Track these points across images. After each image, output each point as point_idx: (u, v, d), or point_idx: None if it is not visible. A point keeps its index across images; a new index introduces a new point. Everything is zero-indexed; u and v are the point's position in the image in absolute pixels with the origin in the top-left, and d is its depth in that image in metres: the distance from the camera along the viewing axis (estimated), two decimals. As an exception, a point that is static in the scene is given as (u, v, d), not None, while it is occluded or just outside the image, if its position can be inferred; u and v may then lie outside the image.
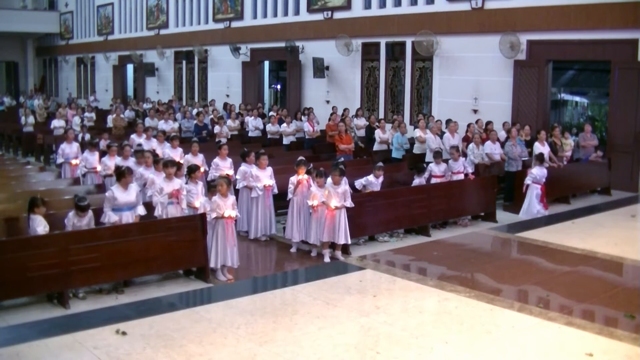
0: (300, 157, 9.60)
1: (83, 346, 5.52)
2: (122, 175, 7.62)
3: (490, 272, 7.91)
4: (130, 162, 10.34)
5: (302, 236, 9.01)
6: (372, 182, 9.69)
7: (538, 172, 11.04)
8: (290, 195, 9.09)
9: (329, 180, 8.63)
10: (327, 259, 8.53)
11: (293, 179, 9.12)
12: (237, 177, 9.71)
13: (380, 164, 10.02)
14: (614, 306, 6.78)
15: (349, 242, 8.67)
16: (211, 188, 7.97)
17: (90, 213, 7.27)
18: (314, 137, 15.62)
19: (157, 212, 8.12)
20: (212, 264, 7.69)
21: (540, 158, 11.31)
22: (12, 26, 31.55)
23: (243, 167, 9.72)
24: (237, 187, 9.57)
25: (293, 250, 9.09)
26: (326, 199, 8.48)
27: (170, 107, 20.57)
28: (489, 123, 13.92)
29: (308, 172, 9.17)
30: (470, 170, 11.14)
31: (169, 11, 25.96)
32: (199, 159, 10.94)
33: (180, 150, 11.63)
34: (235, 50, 21.95)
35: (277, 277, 8.19)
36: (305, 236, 9.00)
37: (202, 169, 10.78)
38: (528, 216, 11.01)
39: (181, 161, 10.88)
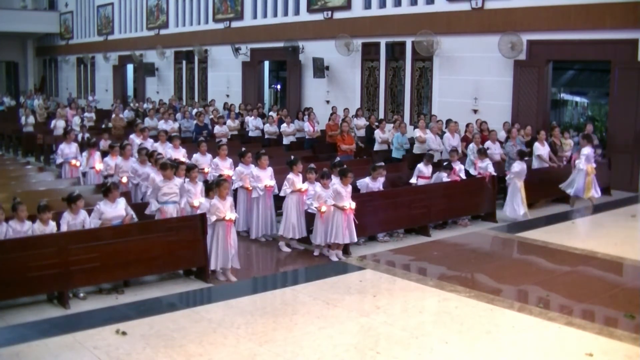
0: (293, 157, 9.57)
1: (83, 346, 5.52)
2: (108, 190, 7.50)
3: (490, 272, 7.91)
4: (132, 161, 10.36)
5: (297, 234, 9.01)
6: (371, 188, 9.58)
7: (518, 167, 10.90)
8: (287, 192, 9.07)
9: (336, 180, 8.64)
10: (334, 258, 8.55)
11: (290, 177, 9.11)
12: (233, 177, 9.71)
13: (376, 164, 9.88)
14: (614, 306, 6.78)
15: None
16: (209, 190, 7.91)
17: (83, 212, 7.27)
18: (314, 137, 15.63)
19: (149, 210, 8.09)
20: (212, 266, 7.67)
21: (521, 154, 11.19)
22: (12, 26, 31.54)
23: (240, 167, 9.74)
24: (233, 188, 9.57)
25: (284, 249, 9.09)
26: (336, 201, 8.49)
27: (171, 106, 20.58)
28: (483, 123, 13.93)
29: (307, 172, 9.16)
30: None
31: (169, 11, 25.96)
32: (207, 159, 10.93)
33: (183, 150, 11.64)
34: (235, 50, 21.95)
35: (277, 277, 8.19)
36: (300, 234, 9.02)
37: (208, 169, 10.78)
38: (511, 215, 10.85)
39: (184, 160, 10.89)
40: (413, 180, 10.45)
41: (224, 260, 7.68)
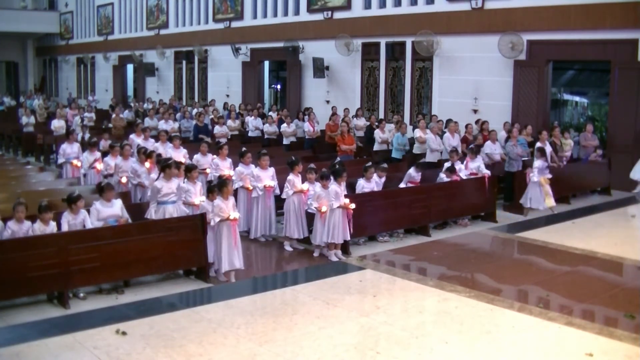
0: (294, 157, 9.59)
1: (83, 346, 5.52)
2: (102, 190, 7.54)
3: (490, 272, 7.91)
4: (131, 161, 10.35)
5: (301, 234, 9.01)
6: (366, 188, 9.54)
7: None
8: (289, 194, 9.06)
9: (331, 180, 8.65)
10: (334, 258, 8.54)
11: (291, 179, 9.11)
12: (234, 177, 9.72)
13: (367, 165, 9.87)
14: (614, 306, 6.78)
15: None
16: (209, 192, 7.89)
17: (83, 211, 7.26)
18: (314, 137, 15.63)
19: (149, 214, 8.07)
20: (224, 268, 7.63)
21: (476, 149, 11.48)
22: (12, 26, 31.54)
23: (240, 167, 9.75)
24: (233, 188, 9.55)
25: (288, 249, 9.10)
26: (336, 201, 8.48)
27: (171, 107, 20.57)
28: (484, 123, 13.93)
29: (307, 172, 9.15)
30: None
31: (169, 11, 25.95)
32: (208, 159, 10.94)
33: (184, 150, 11.64)
34: (235, 50, 21.95)
35: (277, 277, 8.19)
36: (303, 234, 9.02)
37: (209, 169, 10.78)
38: None
39: (184, 160, 10.90)
40: (402, 185, 10.41)
41: (231, 260, 7.65)
